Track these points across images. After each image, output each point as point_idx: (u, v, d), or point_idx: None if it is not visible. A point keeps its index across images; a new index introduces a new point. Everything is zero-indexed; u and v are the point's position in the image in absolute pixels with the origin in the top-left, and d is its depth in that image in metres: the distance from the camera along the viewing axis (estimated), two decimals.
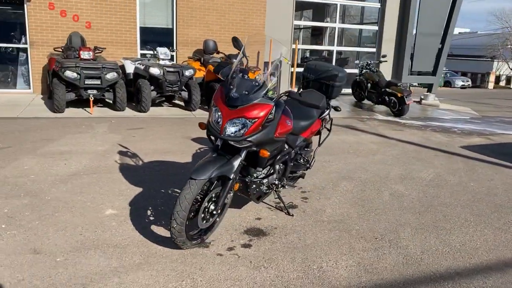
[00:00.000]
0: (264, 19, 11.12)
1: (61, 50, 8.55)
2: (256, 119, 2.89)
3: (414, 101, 12.08)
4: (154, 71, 8.19)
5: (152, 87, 8.42)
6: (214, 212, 2.99)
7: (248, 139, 2.90)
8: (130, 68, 8.93)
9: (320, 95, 3.23)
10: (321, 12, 16.44)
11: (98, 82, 7.82)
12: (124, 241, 3.10)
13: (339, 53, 15.33)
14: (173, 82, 8.39)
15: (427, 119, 10.05)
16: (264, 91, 2.97)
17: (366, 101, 11.09)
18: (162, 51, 8.73)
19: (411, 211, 4.02)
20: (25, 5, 9.26)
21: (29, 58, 9.55)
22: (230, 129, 2.88)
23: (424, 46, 12.44)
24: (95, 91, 7.89)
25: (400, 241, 3.38)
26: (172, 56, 9.10)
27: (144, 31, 10.31)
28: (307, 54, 16.83)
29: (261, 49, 9.81)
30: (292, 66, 11.04)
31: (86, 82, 7.71)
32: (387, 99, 10.04)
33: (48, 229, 3.21)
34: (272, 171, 3.39)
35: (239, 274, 2.76)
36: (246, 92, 2.93)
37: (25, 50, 9.56)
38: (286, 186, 3.91)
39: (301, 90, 4.00)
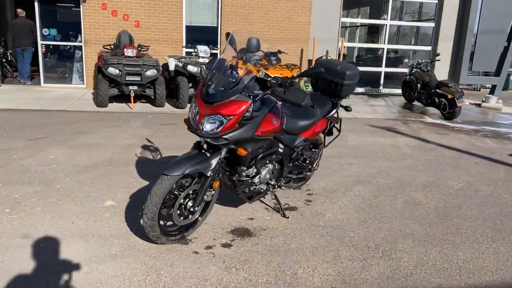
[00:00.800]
0: (310, 17, 10.90)
1: (109, 48, 9.01)
2: (232, 116, 2.81)
3: (473, 104, 11.20)
4: (192, 68, 8.36)
5: (191, 84, 8.61)
6: (192, 209, 2.97)
7: (224, 136, 2.84)
8: (173, 65, 9.18)
9: (304, 94, 3.07)
10: (378, 9, 15.79)
11: (139, 78, 8.15)
12: (109, 232, 3.19)
13: (394, 51, 14.64)
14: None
15: (482, 123, 9.24)
16: (242, 87, 2.89)
17: (416, 103, 10.47)
18: (202, 49, 8.90)
19: (421, 221, 3.70)
20: (81, 6, 9.89)
21: (83, 55, 10.19)
22: (207, 126, 2.84)
23: (486, 44, 11.46)
24: (135, 87, 8.23)
25: (395, 252, 3.13)
26: (212, 54, 9.21)
27: (190, 29, 10.56)
28: (361, 53, 16.27)
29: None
30: None
31: (127, 79, 8.07)
32: (437, 101, 9.38)
33: (45, 216, 3.39)
34: (260, 170, 3.30)
35: (207, 273, 2.71)
36: (222, 88, 2.87)
37: (80, 48, 10.21)
38: (283, 187, 3.79)
39: (286, 88, 3.75)
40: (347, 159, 5.52)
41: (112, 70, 7.96)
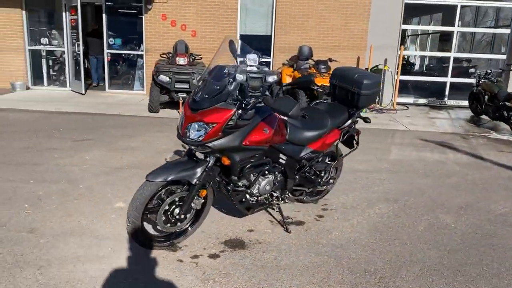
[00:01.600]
0: (367, 24, 10.48)
1: (166, 57, 9.43)
2: (215, 124, 2.76)
3: None
4: (237, 77, 8.43)
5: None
6: (179, 217, 2.95)
7: (207, 144, 2.79)
8: None
9: (292, 102, 2.90)
10: (451, 15, 14.74)
11: (187, 86, 8.41)
12: (107, 233, 3.28)
13: (467, 60, 13.57)
14: (255, 87, 8.52)
15: None
16: (227, 95, 2.83)
17: (484, 116, 9.56)
18: (251, 57, 8.93)
19: (439, 248, 3.33)
20: (143, 17, 10.50)
21: (144, 63, 10.78)
22: (191, 133, 2.81)
23: None
24: (184, 94, 8.50)
25: (394, 280, 2.83)
26: (262, 62, 9.23)
27: (244, 38, 10.69)
28: (431, 62, 15.29)
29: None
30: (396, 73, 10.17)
31: (176, 86, 8.37)
32: (506, 115, 8.47)
33: (57, 213, 3.59)
34: (252, 180, 3.18)
35: (183, 283, 2.67)
36: (207, 96, 2.83)
37: (141, 56, 10.82)
38: (292, 201, 3.65)
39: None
40: (380, 174, 5.17)
41: (162, 78, 8.31)
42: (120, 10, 10.82)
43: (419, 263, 3.08)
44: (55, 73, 11.27)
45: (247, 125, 2.92)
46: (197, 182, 2.90)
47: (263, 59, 10.22)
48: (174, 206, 2.94)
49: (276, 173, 3.41)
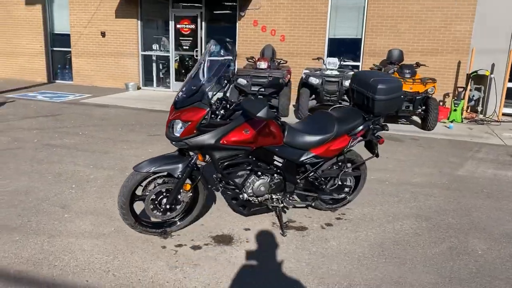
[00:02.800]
0: (472, 25, 9.41)
1: (252, 61, 9.86)
2: (189, 122, 2.92)
3: None
4: (313, 80, 8.41)
5: (313, 96, 8.68)
6: (165, 207, 3.18)
7: (184, 141, 2.97)
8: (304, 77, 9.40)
9: (262, 104, 2.83)
10: None
11: (263, 89, 8.66)
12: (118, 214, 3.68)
13: None
14: (331, 91, 8.37)
15: None
16: (201, 95, 2.96)
17: None
18: (331, 61, 8.82)
19: (442, 274, 2.95)
20: (237, 23, 11.10)
21: (235, 67, 11.38)
22: (171, 130, 3.02)
23: None
24: (261, 97, 8.77)
25: None
26: (341, 65, 9.01)
27: (333, 42, 10.54)
28: None
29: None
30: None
31: (252, 89, 8.69)
32: None
33: (92, 195, 4.14)
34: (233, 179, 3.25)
35: (152, 266, 2.89)
36: (185, 95, 3.00)
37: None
38: (285, 204, 3.56)
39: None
40: (431, 190, 4.70)
41: (240, 81, 8.72)
42: (216, 18, 11.60)
43: (403, 286, 2.79)
44: (162, 76, 12.60)
45: (227, 125, 3.02)
46: (180, 176, 3.10)
47: (350, 63, 9.93)
48: (161, 197, 3.19)
49: (273, 175, 3.41)
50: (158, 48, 12.26)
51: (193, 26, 11.63)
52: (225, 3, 11.23)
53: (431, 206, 4.24)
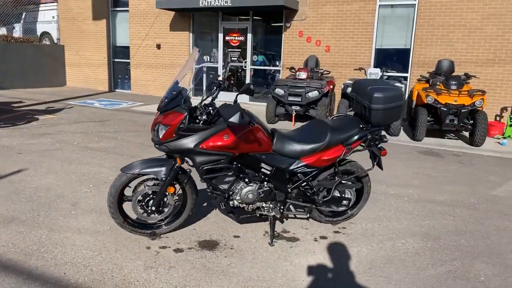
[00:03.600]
0: None
1: (293, 71, 9.85)
2: (169, 126, 2.99)
3: None
4: (350, 90, 8.19)
5: (351, 109, 8.44)
6: (151, 209, 3.27)
7: (165, 144, 3.05)
8: (344, 89, 9.20)
9: (235, 110, 2.77)
10: None
11: (299, 99, 8.61)
12: None
13: None
14: None
15: None
16: (180, 100, 3.01)
17: None
18: (373, 71, 8.55)
19: None
20: (282, 35, 11.16)
21: (280, 77, 11.42)
22: (155, 133, 3.11)
23: None
24: (297, 107, 8.72)
25: None
26: (382, 76, 8.67)
27: (379, 52, 10.20)
28: None
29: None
30: None
31: (289, 99, 8.66)
32: None
33: (104, 195, 4.37)
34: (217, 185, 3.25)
35: (128, 264, 2.97)
36: (167, 100, 3.07)
37: (278, 71, 11.50)
38: (274, 213, 3.48)
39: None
40: (452, 209, 4.35)
41: (278, 91, 8.73)
42: (263, 30, 11.75)
43: None
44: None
45: (207, 130, 3.05)
46: (164, 178, 3.18)
47: (395, 74, 9.53)
48: (148, 198, 3.29)
49: (263, 183, 3.38)
50: (209, 60, 12.67)
51: (241, 38, 11.89)
52: (272, 15, 11.36)
53: (446, 225, 3.92)
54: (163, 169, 3.18)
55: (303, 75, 8.97)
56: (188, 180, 3.31)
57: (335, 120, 3.62)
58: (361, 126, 3.47)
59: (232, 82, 12.51)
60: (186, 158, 3.25)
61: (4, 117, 8.35)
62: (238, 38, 11.94)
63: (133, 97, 12.63)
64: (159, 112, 3.15)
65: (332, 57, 10.56)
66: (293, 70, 9.68)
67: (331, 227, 3.79)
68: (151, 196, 3.28)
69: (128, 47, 13.57)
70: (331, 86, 9.38)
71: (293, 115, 8.78)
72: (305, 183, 3.49)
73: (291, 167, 3.36)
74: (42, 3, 17.58)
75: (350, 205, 3.73)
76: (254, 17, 11.57)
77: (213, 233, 3.56)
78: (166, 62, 12.92)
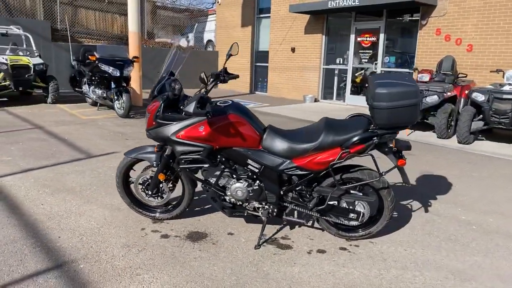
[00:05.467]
0: None
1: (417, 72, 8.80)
2: (149, 114, 3.08)
3: None
4: (477, 97, 6.86)
5: (481, 116, 7.06)
6: (148, 192, 3.43)
7: (149, 131, 3.15)
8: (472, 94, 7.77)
9: (193, 100, 2.53)
10: None
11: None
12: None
13: None
14: (500, 111, 6.62)
15: None
16: (159, 87, 3.05)
17: None
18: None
19: None
20: (417, 34, 10.04)
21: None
22: (145, 120, 3.24)
23: None
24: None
25: None
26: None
27: None
28: None
29: None
30: None
31: None
32: None
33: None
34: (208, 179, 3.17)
35: (113, 240, 3.19)
36: (155, 89, 3.14)
37: (411, 74, 10.38)
38: (261, 215, 3.23)
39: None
40: (487, 237, 3.29)
41: None
42: (396, 29, 10.77)
43: None
44: (341, 89, 12.59)
45: (186, 120, 3.03)
46: (155, 165, 3.30)
47: None
48: (148, 183, 3.46)
49: (254, 181, 3.18)
50: (342, 62, 12.32)
51: (373, 39, 11.19)
52: (407, 12, 10.33)
53: (499, 266, 2.97)
54: (154, 156, 3.31)
55: (425, 77, 7.93)
56: (181, 169, 3.36)
57: (344, 120, 3.14)
58: (369, 128, 2.93)
59: (366, 86, 11.85)
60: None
61: (142, 111, 9.80)
62: (370, 39, 11.25)
63: (266, 99, 13.19)
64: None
65: (475, 58, 8.99)
66: (417, 71, 8.65)
67: (341, 242, 3.30)
68: (149, 181, 3.45)
69: (267, 52, 14.23)
70: (466, 92, 8.00)
71: None
72: (299, 187, 3.14)
73: (281, 167, 3.07)
74: (210, 14, 19.94)
75: (364, 220, 3.18)
76: (388, 16, 10.72)
77: (210, 227, 3.51)
78: (298, 65, 13.08)
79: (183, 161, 3.18)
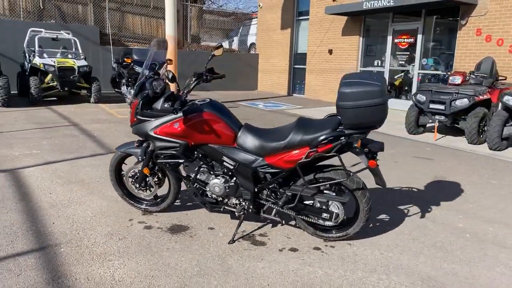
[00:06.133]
0: None
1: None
2: (131, 111, 3.25)
3: None
4: (510, 100, 6.43)
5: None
6: (136, 185, 3.62)
7: (132, 127, 3.33)
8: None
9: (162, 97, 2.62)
10: None
11: (443, 107, 7.28)
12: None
13: None
14: None
15: None
16: (138, 87, 3.20)
17: None
18: None
19: None
20: (456, 34, 9.57)
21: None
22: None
23: None
24: (442, 117, 7.40)
25: None
26: None
27: None
28: None
29: None
30: None
31: (430, 106, 7.44)
32: None
33: None
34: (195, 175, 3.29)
35: (100, 229, 3.40)
36: (136, 87, 3.30)
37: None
38: (236, 212, 3.30)
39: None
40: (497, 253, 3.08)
41: (419, 97, 7.63)
42: (435, 30, 10.32)
43: None
44: None
45: (163, 117, 3.18)
46: (140, 159, 3.47)
47: None
48: (136, 177, 3.65)
49: (231, 178, 3.26)
50: (380, 64, 12.02)
51: (411, 40, 10.81)
52: (446, 13, 9.88)
53: (479, 276, 2.82)
54: (139, 150, 3.48)
55: (457, 79, 7.57)
56: (164, 164, 3.50)
57: (316, 119, 3.13)
58: (338, 128, 2.91)
59: (406, 88, 11.48)
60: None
61: None
62: (408, 40, 10.87)
63: (302, 101, 13.15)
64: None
65: None
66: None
67: (318, 242, 3.29)
68: (137, 174, 3.64)
69: (305, 54, 14.19)
70: (493, 95, 7.52)
71: (436, 126, 7.49)
72: (272, 185, 3.17)
73: (254, 165, 3.12)
74: (254, 18, 20.20)
75: (339, 221, 3.14)
76: (427, 16, 10.31)
77: (194, 221, 3.63)
78: (335, 67, 12.92)
79: (161, 156, 3.33)
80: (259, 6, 16.43)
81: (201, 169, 3.32)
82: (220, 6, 22.10)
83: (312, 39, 13.76)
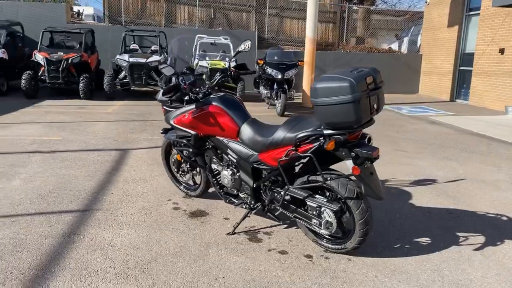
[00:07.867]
0: None
1: None
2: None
3: None
4: None
5: None
6: (175, 170, 3.98)
7: (164, 116, 3.66)
8: None
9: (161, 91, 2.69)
10: None
11: None
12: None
13: None
14: None
15: None
16: (168, 78, 3.46)
17: None
18: None
19: None
20: None
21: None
22: None
23: None
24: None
25: None
26: None
27: None
28: None
29: None
30: None
31: None
32: None
33: None
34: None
35: (127, 205, 3.90)
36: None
37: None
38: (236, 206, 3.29)
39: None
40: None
41: None
42: None
43: None
44: None
45: (181, 108, 3.41)
46: (174, 146, 3.80)
47: None
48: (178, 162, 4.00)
49: (237, 171, 3.30)
50: None
51: None
52: None
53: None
54: (173, 137, 3.81)
55: None
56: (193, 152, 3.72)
57: (308, 118, 2.87)
58: (319, 127, 2.63)
59: None
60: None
61: (303, 112, 10.27)
62: None
63: (461, 108, 11.51)
64: None
65: None
66: None
67: (316, 251, 3.03)
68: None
69: (473, 54, 12.32)
70: None
71: None
72: (267, 182, 3.07)
73: (251, 160, 3.09)
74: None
75: (332, 231, 2.83)
76: None
77: (218, 210, 3.74)
78: (508, 69, 10.83)
79: (178, 144, 3.60)
80: (426, 2, 14.98)
81: (213, 159, 3.45)
82: (393, 5, 20.92)
83: (481, 37, 11.84)
